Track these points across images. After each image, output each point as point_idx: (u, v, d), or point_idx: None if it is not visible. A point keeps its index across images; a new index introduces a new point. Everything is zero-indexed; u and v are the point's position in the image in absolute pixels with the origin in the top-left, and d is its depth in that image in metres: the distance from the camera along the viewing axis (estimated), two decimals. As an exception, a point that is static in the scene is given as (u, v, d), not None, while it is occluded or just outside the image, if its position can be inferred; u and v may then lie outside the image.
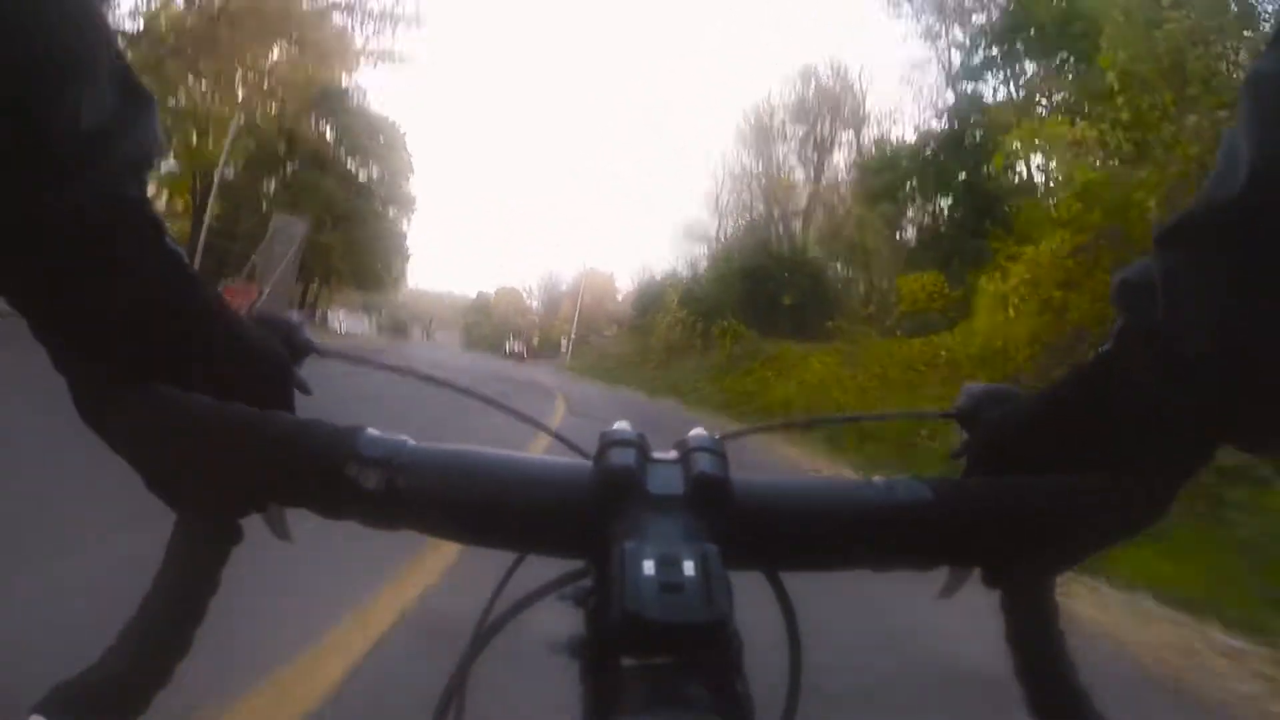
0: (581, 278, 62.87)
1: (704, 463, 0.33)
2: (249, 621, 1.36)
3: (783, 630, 0.38)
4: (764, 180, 32.95)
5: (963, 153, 20.08)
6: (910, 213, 23.40)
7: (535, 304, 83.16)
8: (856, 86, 30.32)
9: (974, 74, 20.76)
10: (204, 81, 24.78)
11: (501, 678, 0.70)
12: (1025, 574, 0.35)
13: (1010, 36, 18.92)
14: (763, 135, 33.48)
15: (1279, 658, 2.85)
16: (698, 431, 0.35)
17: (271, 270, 20.24)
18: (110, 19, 0.26)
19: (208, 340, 0.32)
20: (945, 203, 21.40)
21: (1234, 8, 9.25)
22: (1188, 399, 0.30)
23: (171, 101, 22.62)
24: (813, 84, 31.14)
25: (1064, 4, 16.66)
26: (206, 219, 21.84)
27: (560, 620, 0.32)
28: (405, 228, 40.71)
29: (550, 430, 0.48)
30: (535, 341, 63.47)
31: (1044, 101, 17.29)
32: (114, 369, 0.30)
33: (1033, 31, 17.87)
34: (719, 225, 36.19)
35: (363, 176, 36.94)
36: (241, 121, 28.92)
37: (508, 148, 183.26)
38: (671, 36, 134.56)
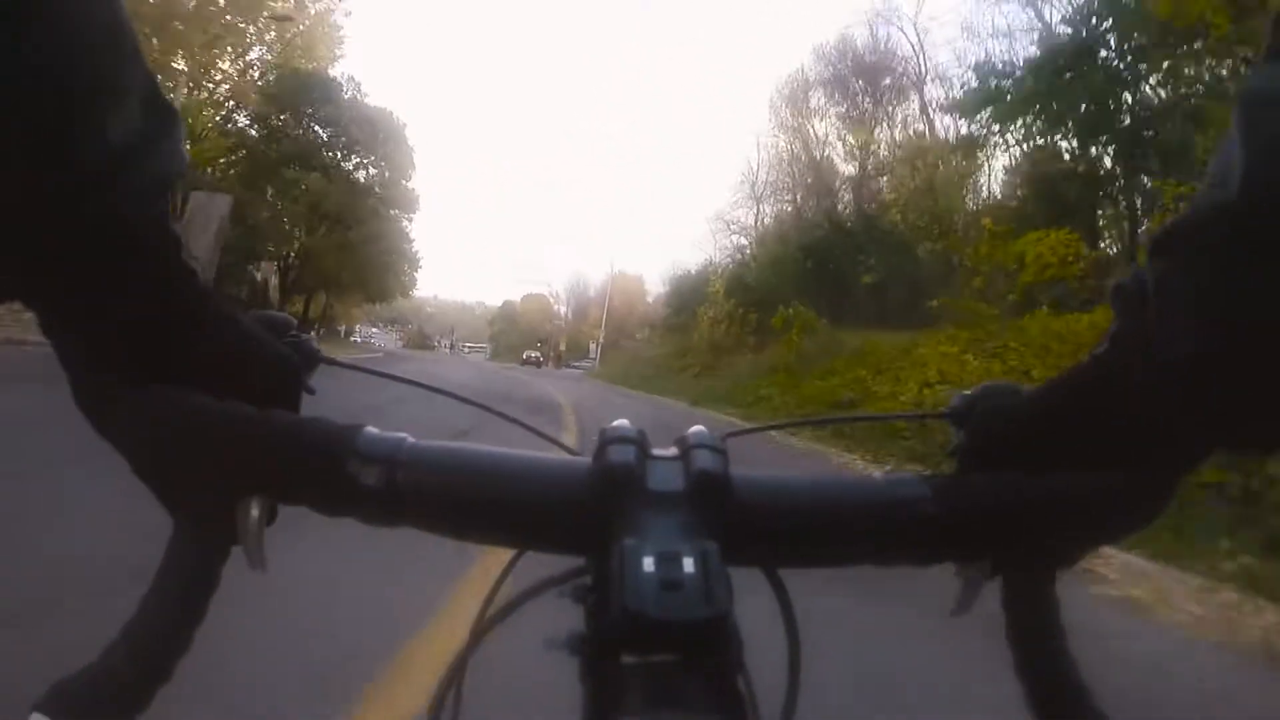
0: (609, 280, 58.15)
1: (704, 459, 0.32)
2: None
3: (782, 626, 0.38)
4: (813, 151, 28.02)
5: (1097, 72, 14.82)
6: (1011, 158, 18.06)
7: (563, 309, 79.19)
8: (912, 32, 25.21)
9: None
10: (175, 69, 20.77)
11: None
12: (1025, 570, 0.34)
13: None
14: (799, 104, 28.71)
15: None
16: (698, 428, 0.35)
17: (191, 249, 16.24)
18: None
19: (217, 347, 0.32)
20: (1070, 141, 16.12)
21: None
22: (1180, 402, 0.30)
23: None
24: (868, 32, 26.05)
25: None
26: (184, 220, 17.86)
27: (560, 617, 0.32)
28: (408, 228, 36.34)
29: (545, 434, 0.47)
30: (562, 347, 59.03)
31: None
32: (120, 371, 0.30)
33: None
34: (757, 211, 31.67)
35: (360, 174, 32.75)
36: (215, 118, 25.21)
37: (530, 151, 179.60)
38: (691, 21, 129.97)
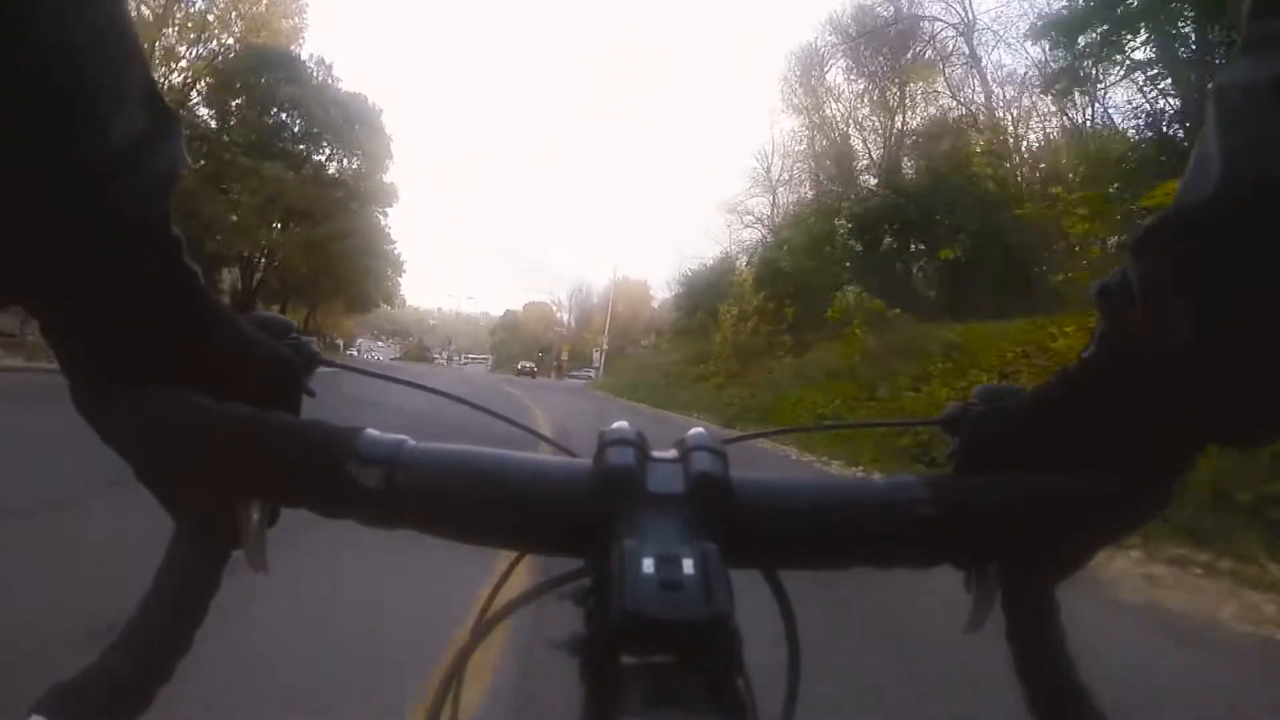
0: (613, 284, 54.17)
1: (704, 462, 0.32)
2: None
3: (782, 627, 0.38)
4: (849, 115, 23.89)
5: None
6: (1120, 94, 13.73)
7: (566, 316, 75.51)
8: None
9: None
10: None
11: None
12: (1025, 571, 0.34)
13: None
14: (816, 77, 24.63)
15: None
16: (697, 430, 0.35)
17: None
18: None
19: (217, 349, 0.32)
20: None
21: None
22: (1170, 401, 0.30)
23: None
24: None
25: None
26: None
27: (560, 619, 0.31)
28: (387, 226, 32.18)
29: (539, 434, 0.46)
30: (564, 356, 54.96)
31: None
32: (120, 373, 0.30)
33: None
34: (773, 199, 27.71)
35: (331, 165, 28.71)
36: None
37: (530, 154, 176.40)
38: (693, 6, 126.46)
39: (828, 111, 24.99)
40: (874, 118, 23.40)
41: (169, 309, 0.30)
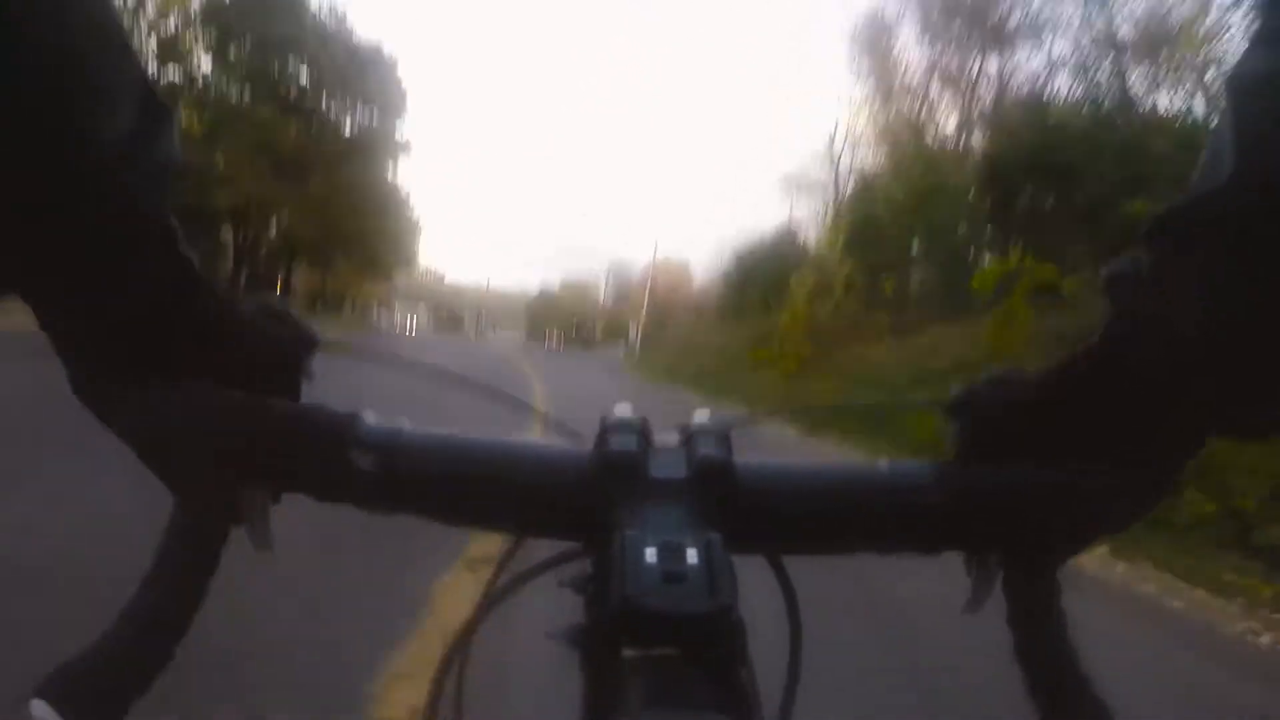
0: (654, 255, 50.19)
1: (708, 447, 0.32)
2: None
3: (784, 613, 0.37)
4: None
5: None
6: None
7: (602, 294, 71.90)
8: None
9: None
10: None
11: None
12: (1028, 558, 0.34)
13: None
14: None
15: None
16: (701, 414, 0.34)
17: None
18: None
19: (216, 337, 0.32)
20: None
21: None
22: (1176, 390, 0.30)
23: None
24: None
25: None
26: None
27: (561, 609, 0.31)
28: (398, 183, 28.51)
29: (547, 417, 0.43)
30: (598, 333, 51.23)
31: None
32: (120, 361, 0.30)
33: None
34: (834, 171, 23.43)
35: (333, 114, 25.03)
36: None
37: (574, 129, 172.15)
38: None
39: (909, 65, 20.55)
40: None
41: (168, 300, 0.29)
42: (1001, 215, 11.98)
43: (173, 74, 19.87)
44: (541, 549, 0.34)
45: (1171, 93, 13.15)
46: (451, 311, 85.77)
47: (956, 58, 19.22)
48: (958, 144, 16.67)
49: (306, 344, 0.34)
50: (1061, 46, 16.35)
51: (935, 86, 19.96)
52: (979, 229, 12.61)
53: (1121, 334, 0.31)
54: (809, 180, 26.30)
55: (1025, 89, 17.05)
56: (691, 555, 0.26)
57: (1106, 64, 14.50)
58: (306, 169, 22.83)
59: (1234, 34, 11.82)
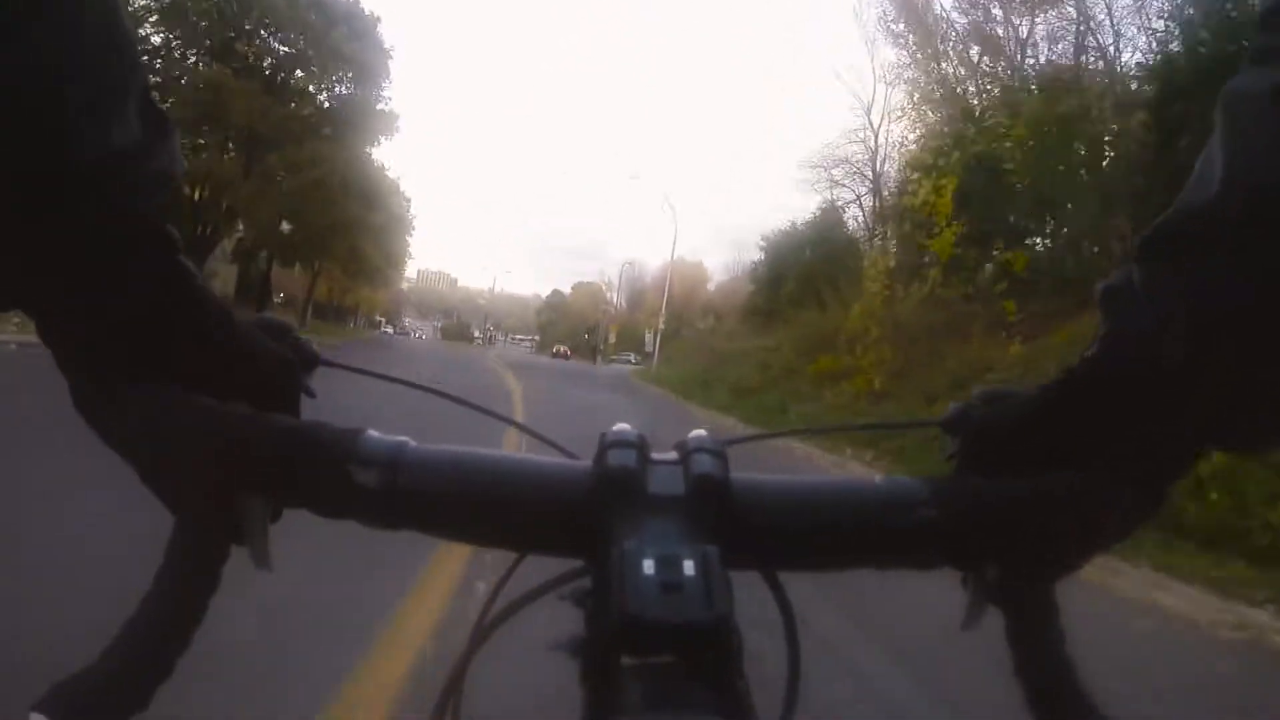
0: (671, 254, 46.47)
1: (704, 463, 0.32)
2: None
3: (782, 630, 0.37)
4: None
5: None
6: None
7: (614, 297, 68.44)
8: None
9: None
10: None
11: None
12: (1024, 573, 0.34)
13: None
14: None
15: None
16: (698, 432, 0.34)
17: None
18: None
19: (215, 348, 0.32)
20: None
21: None
22: (1170, 403, 0.30)
23: None
24: None
25: None
26: None
27: (561, 621, 0.31)
28: (383, 166, 24.67)
29: (545, 438, 0.43)
30: (611, 339, 47.47)
31: None
32: (119, 373, 0.30)
33: None
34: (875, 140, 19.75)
35: (298, 76, 21.38)
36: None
37: (590, 136, 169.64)
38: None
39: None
40: None
41: (167, 309, 0.29)
42: (1168, 158, 7.94)
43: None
44: (537, 565, 0.34)
45: None
46: (460, 318, 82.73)
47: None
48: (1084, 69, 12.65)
49: (307, 360, 0.35)
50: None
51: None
52: (1130, 180, 8.57)
53: (1115, 349, 0.31)
54: (843, 156, 22.59)
55: None
56: (688, 567, 0.27)
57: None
58: (268, 143, 19.18)
59: None
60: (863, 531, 0.32)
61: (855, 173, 23.79)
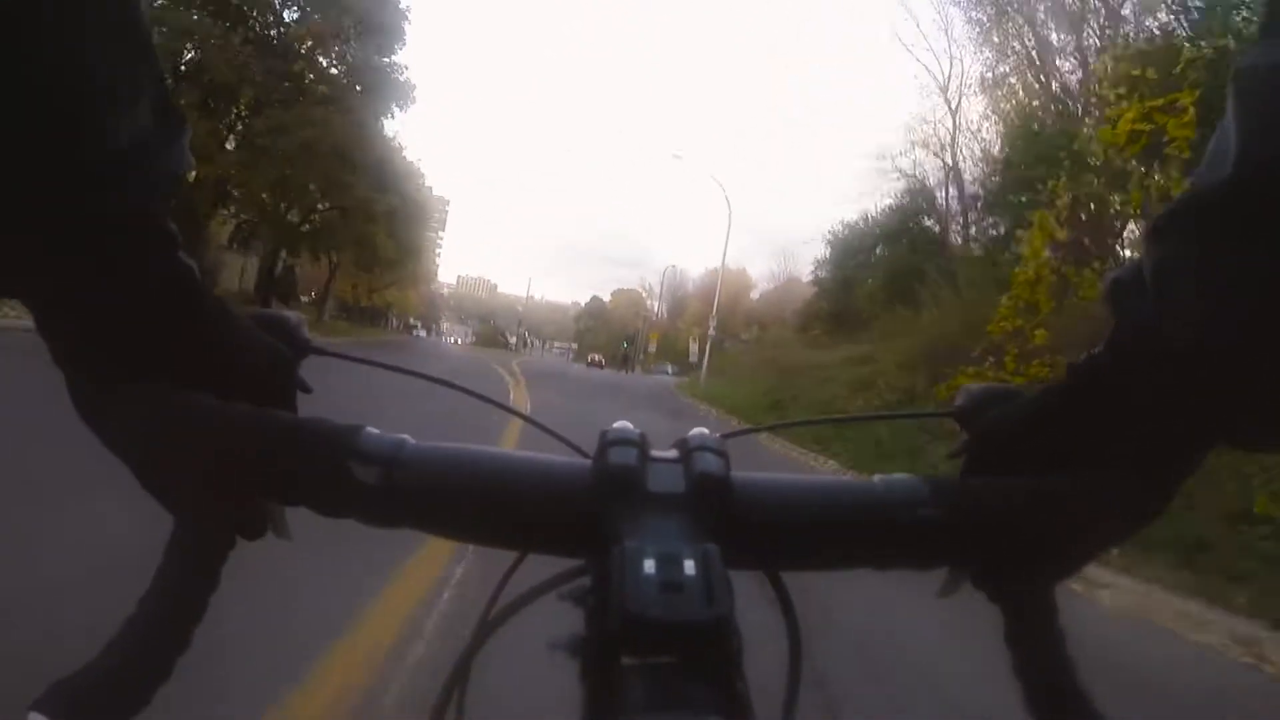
0: (725, 240, 42.92)
1: (705, 462, 0.32)
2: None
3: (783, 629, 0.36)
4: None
5: None
6: None
7: (655, 304, 65.19)
8: None
9: None
10: None
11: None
12: (1024, 573, 0.34)
13: None
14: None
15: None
16: (699, 430, 0.34)
17: None
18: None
19: (211, 342, 0.31)
20: None
21: None
22: (1181, 397, 0.29)
23: None
24: None
25: None
26: None
27: (561, 620, 0.31)
28: (399, 143, 21.49)
29: (542, 425, 0.44)
30: (652, 348, 43.98)
31: None
32: (117, 368, 0.29)
33: None
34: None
35: (292, 18, 18.36)
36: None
37: (632, 142, 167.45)
38: None
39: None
40: None
41: (166, 305, 0.29)
42: None
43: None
44: (536, 565, 0.34)
45: None
46: (495, 324, 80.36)
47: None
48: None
49: (299, 350, 0.35)
50: None
51: None
52: None
53: (1124, 341, 0.30)
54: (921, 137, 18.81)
55: None
56: (689, 566, 0.27)
57: None
58: (257, 104, 16.14)
59: None
60: (864, 531, 0.32)
61: (932, 156, 19.96)
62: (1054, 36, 15.45)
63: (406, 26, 19.51)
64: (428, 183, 24.27)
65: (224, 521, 0.32)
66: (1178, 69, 6.71)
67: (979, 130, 18.42)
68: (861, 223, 21.62)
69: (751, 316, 46.83)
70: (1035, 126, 14.31)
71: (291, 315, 0.37)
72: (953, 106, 19.13)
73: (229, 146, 16.59)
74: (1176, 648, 3.12)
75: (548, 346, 79.09)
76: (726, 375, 20.72)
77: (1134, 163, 6.68)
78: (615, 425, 0.33)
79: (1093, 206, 7.84)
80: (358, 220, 19.55)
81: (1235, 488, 4.21)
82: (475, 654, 0.34)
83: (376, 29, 18.52)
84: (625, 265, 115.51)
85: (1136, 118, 6.57)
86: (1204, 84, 6.39)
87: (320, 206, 20.25)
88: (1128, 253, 6.33)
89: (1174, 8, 11.98)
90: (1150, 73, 6.94)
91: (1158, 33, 11.55)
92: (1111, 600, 3.47)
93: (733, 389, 16.15)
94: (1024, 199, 11.68)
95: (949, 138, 19.07)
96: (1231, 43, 7.51)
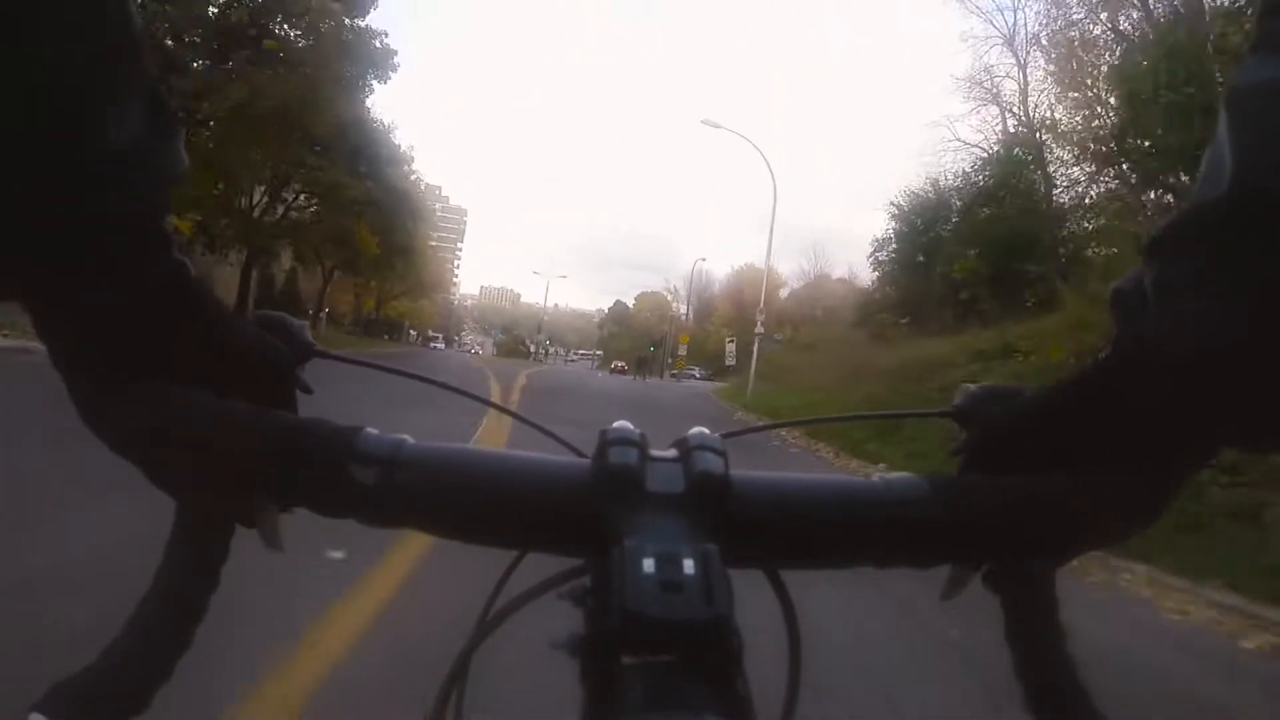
0: (770, 236, 39.00)
1: (705, 461, 0.31)
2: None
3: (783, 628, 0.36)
4: None
5: None
6: None
7: (682, 307, 61.48)
8: None
9: None
10: None
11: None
12: (1023, 571, 0.34)
13: None
14: None
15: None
16: (698, 429, 0.34)
17: None
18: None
19: (211, 342, 0.31)
20: None
21: None
22: (1181, 403, 0.29)
23: None
24: None
25: None
26: None
27: (561, 619, 0.31)
28: (383, 122, 17.98)
29: (550, 432, 0.44)
30: (681, 352, 40.18)
31: None
32: (117, 368, 0.29)
33: None
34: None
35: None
36: None
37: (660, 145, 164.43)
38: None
39: None
40: None
41: (166, 305, 0.29)
42: None
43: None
44: (536, 565, 0.34)
45: None
46: (516, 333, 77.33)
47: None
48: None
49: (301, 352, 0.35)
50: None
51: None
52: None
53: (1127, 351, 0.30)
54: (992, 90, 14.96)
55: None
56: (688, 565, 0.27)
57: None
58: (172, 64, 12.74)
59: None
60: (864, 529, 0.32)
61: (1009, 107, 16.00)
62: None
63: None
64: (425, 177, 20.88)
65: (223, 522, 0.32)
66: None
67: (1069, 78, 14.61)
68: (932, 190, 17.68)
69: (783, 316, 43.07)
70: (1176, 36, 10.53)
71: (290, 319, 0.37)
72: (1021, 58, 15.46)
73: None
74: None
75: (569, 354, 75.89)
76: (776, 381, 16.83)
77: None
78: (615, 425, 0.33)
79: None
80: (329, 210, 16.11)
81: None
82: (474, 652, 0.34)
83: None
84: (648, 270, 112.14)
85: None
86: None
87: (287, 197, 16.89)
88: None
89: None
90: None
91: None
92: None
93: (799, 399, 12.24)
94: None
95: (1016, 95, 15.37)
96: None
